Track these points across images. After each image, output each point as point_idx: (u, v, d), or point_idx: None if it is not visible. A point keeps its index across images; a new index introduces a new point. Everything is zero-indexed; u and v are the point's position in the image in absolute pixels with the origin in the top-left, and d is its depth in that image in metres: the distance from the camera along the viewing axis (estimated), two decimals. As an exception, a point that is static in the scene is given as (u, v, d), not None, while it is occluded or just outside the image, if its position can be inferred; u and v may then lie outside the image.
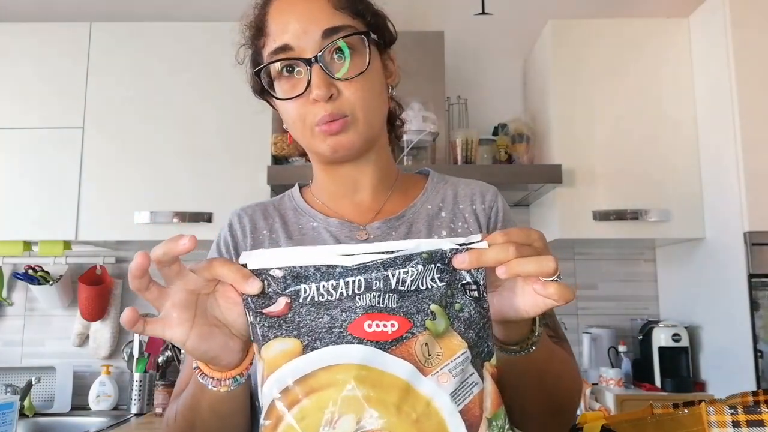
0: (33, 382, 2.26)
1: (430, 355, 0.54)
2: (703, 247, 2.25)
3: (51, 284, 2.51)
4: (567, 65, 2.34)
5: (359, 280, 0.56)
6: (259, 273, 0.56)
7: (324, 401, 0.52)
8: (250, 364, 0.63)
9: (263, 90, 0.85)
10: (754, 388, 1.89)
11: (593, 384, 2.26)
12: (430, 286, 0.56)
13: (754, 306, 1.94)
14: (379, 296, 0.55)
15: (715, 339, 2.21)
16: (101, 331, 2.54)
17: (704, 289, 2.26)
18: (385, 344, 0.54)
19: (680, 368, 2.29)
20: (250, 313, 0.57)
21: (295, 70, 0.79)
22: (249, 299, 0.57)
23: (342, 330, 0.54)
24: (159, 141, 2.29)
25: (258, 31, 0.84)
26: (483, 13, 2.44)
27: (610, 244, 2.59)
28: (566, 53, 2.35)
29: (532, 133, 2.43)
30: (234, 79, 2.50)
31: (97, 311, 2.50)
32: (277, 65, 0.80)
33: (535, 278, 0.57)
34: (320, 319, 0.55)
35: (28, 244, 2.34)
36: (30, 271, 2.52)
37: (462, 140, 2.36)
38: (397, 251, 0.56)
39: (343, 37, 0.78)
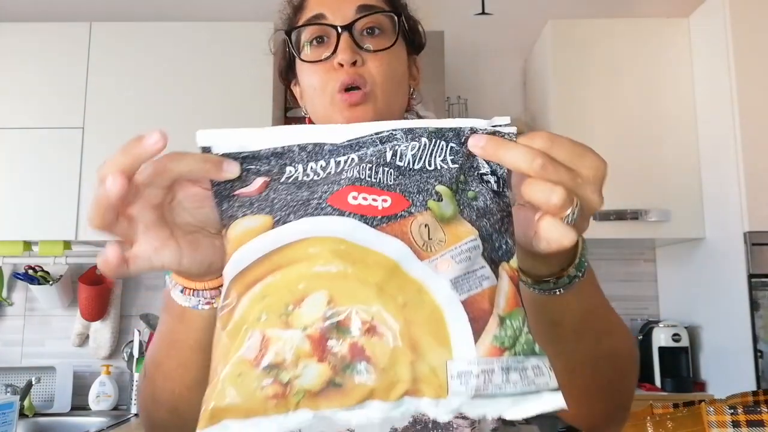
0: (33, 382, 2.26)
1: (430, 239, 0.44)
2: (703, 247, 2.25)
3: (51, 284, 2.51)
4: (567, 65, 2.34)
5: (352, 158, 0.47)
6: (232, 157, 0.49)
7: (291, 278, 0.43)
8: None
9: (289, 65, 0.86)
10: (754, 388, 1.89)
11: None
12: (439, 167, 0.46)
13: (754, 306, 1.94)
14: (371, 168, 0.46)
15: (715, 339, 2.21)
16: (101, 331, 2.54)
17: (704, 289, 2.26)
18: (373, 219, 0.44)
19: (680, 368, 2.29)
20: (220, 200, 0.49)
21: (325, 40, 0.80)
22: (220, 185, 0.49)
23: (321, 201, 0.46)
24: (159, 141, 2.29)
25: (296, 9, 0.86)
26: (483, 13, 2.44)
27: (610, 244, 2.59)
28: (566, 53, 2.35)
29: (532, 133, 2.43)
30: (234, 79, 2.50)
31: (97, 311, 2.50)
32: (308, 33, 0.81)
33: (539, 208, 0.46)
34: (299, 195, 0.47)
35: (28, 244, 2.34)
36: (30, 271, 2.52)
37: (462, 140, 2.36)
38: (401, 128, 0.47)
39: (374, 13, 0.79)
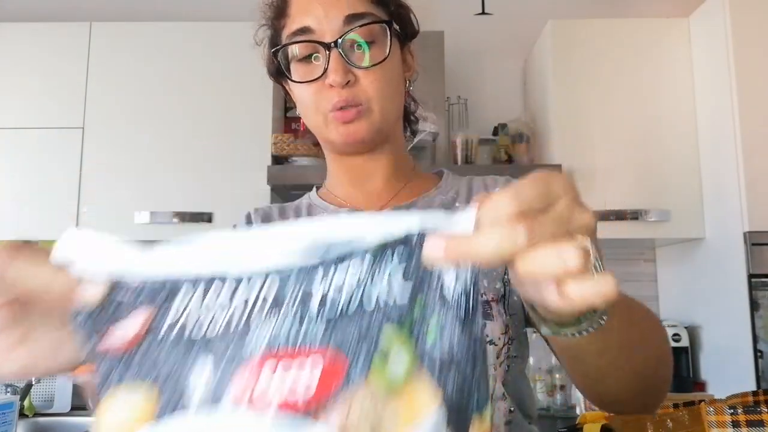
0: (33, 382, 2.26)
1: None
2: (703, 247, 2.25)
3: (51, 284, 2.51)
4: (567, 65, 2.33)
5: (266, 295, 0.35)
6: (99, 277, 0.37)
7: None
8: None
9: (279, 72, 0.83)
10: (754, 388, 1.89)
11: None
12: (384, 301, 0.34)
13: (754, 306, 1.94)
14: (294, 312, 0.34)
15: (715, 339, 2.21)
16: (101, 331, 2.54)
17: (704, 289, 2.25)
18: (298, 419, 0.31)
19: (680, 368, 2.29)
20: (82, 333, 0.37)
21: (313, 55, 0.77)
22: (81, 315, 0.37)
23: (225, 383, 0.33)
24: (159, 141, 2.29)
25: (279, 11, 0.81)
26: (483, 13, 2.44)
27: (610, 244, 2.59)
28: (566, 53, 2.35)
29: (532, 133, 2.43)
30: (234, 78, 2.50)
31: (97, 311, 2.49)
32: (296, 48, 0.78)
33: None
34: (189, 363, 0.34)
35: (28, 244, 2.34)
36: (30, 271, 2.51)
37: (462, 140, 2.36)
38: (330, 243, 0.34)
39: (364, 25, 0.76)
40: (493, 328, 0.74)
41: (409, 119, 0.95)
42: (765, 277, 1.95)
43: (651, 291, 2.63)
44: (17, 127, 2.31)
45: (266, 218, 0.88)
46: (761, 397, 0.74)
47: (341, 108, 0.75)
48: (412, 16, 0.87)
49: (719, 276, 2.14)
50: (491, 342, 0.74)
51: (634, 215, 2.22)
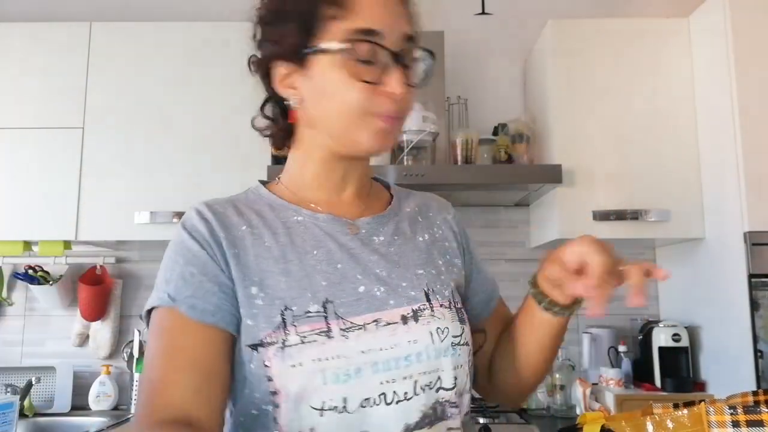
0: (33, 382, 2.26)
1: None
2: (703, 247, 2.25)
3: (51, 284, 2.51)
4: (567, 65, 2.33)
5: None
6: None
7: None
8: None
9: (297, 51, 0.79)
10: (754, 388, 1.89)
11: (593, 384, 2.26)
12: None
13: (754, 306, 1.94)
14: None
15: (715, 339, 2.21)
16: (101, 331, 2.54)
17: (704, 289, 2.26)
18: None
19: (680, 368, 2.29)
20: None
21: (372, 61, 0.77)
22: None
23: None
24: (159, 141, 2.29)
25: (334, 1, 0.77)
26: (483, 13, 2.44)
27: (610, 244, 2.59)
28: (566, 53, 2.35)
29: (532, 133, 2.43)
30: (234, 78, 2.49)
31: (97, 311, 2.50)
32: (357, 46, 0.76)
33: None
34: None
35: (28, 244, 2.34)
36: (30, 271, 2.52)
37: (462, 140, 2.36)
38: None
39: (419, 48, 0.83)
40: (467, 331, 0.84)
41: None
42: (765, 277, 1.95)
43: (651, 291, 2.63)
44: (17, 127, 2.31)
45: (221, 216, 0.83)
46: (761, 397, 0.74)
47: (391, 116, 0.79)
48: None
49: (719, 276, 2.15)
50: (466, 343, 0.83)
51: (634, 215, 2.22)
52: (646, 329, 2.38)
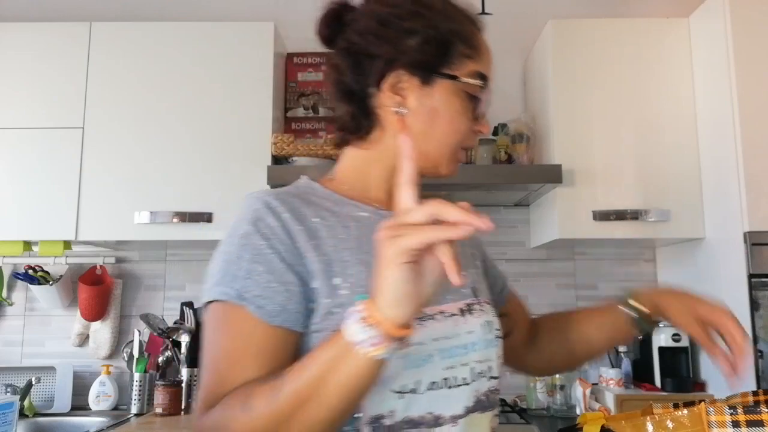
0: (33, 382, 2.26)
1: None
2: (703, 247, 2.25)
3: (51, 284, 2.51)
4: (567, 65, 2.33)
5: None
6: None
7: None
8: (408, 338, 0.62)
9: (431, 67, 0.84)
10: (754, 388, 1.89)
11: (593, 384, 2.26)
12: None
13: (754, 306, 1.94)
14: None
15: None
16: (101, 331, 2.54)
17: (704, 289, 2.24)
18: None
19: (680, 368, 2.29)
20: None
21: (476, 101, 0.89)
22: None
23: None
24: (159, 141, 2.29)
25: (467, 38, 0.88)
26: (483, 13, 2.43)
27: (610, 244, 2.59)
28: (566, 53, 2.35)
29: (532, 133, 2.43)
30: (234, 78, 2.49)
31: (97, 311, 2.50)
32: (475, 86, 0.88)
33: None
34: None
35: (28, 244, 2.34)
36: (30, 271, 2.52)
37: (462, 140, 2.36)
38: None
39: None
40: (500, 326, 0.91)
41: None
42: (765, 277, 1.95)
43: (651, 291, 2.62)
44: (17, 127, 2.31)
45: (292, 208, 0.82)
46: (761, 397, 0.74)
47: (468, 149, 0.92)
48: None
49: (719, 276, 2.15)
50: (501, 337, 0.90)
51: (634, 215, 2.22)
52: (646, 329, 2.38)
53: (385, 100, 0.84)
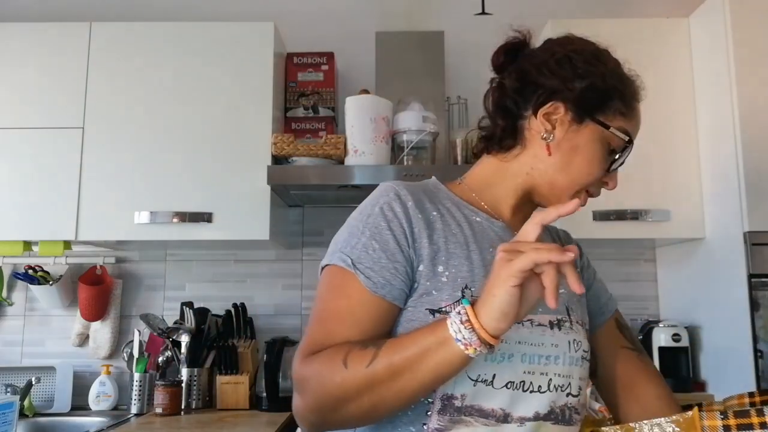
0: (33, 382, 2.26)
1: None
2: (703, 247, 2.25)
3: (51, 284, 2.51)
4: (567, 65, 2.33)
5: None
6: None
7: None
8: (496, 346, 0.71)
9: (593, 110, 0.94)
10: (754, 388, 1.89)
11: (593, 384, 2.26)
12: None
13: (754, 306, 1.94)
14: None
15: (715, 339, 2.21)
16: (101, 331, 2.54)
17: (704, 289, 2.25)
18: None
19: (680, 368, 2.29)
20: None
21: (616, 156, 0.95)
22: None
23: None
24: (159, 141, 2.29)
25: (626, 99, 0.96)
26: (483, 13, 2.43)
27: (610, 244, 2.59)
28: (566, 53, 2.34)
29: (532, 133, 2.43)
30: (234, 78, 2.49)
31: (97, 311, 2.50)
32: (622, 144, 0.95)
33: None
34: None
35: (28, 244, 2.34)
36: (30, 271, 2.52)
37: (462, 140, 2.36)
38: None
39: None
40: (587, 347, 0.95)
41: None
42: (765, 277, 1.95)
43: (651, 291, 2.63)
44: (17, 127, 2.31)
45: (417, 199, 0.93)
46: (757, 398, 0.74)
47: (590, 196, 0.99)
48: None
49: (719, 276, 2.14)
50: (589, 360, 0.94)
51: (634, 215, 2.22)
52: (646, 329, 2.38)
53: (536, 125, 0.94)
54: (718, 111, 2.15)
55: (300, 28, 2.70)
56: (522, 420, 0.83)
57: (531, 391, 0.84)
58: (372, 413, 0.79)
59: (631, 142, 0.94)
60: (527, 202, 1.00)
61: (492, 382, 0.83)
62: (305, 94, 2.52)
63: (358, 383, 0.77)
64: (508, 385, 0.83)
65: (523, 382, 0.84)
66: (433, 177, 1.04)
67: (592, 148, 0.93)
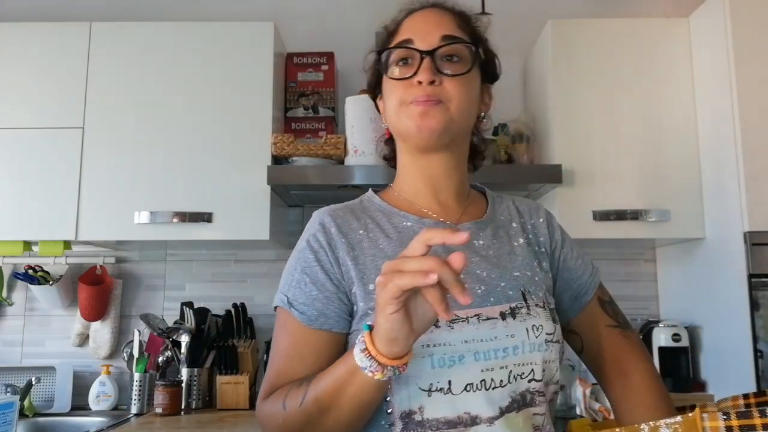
0: (33, 382, 2.26)
1: None
2: (703, 247, 2.25)
3: (51, 284, 2.51)
4: (567, 65, 2.33)
5: None
6: None
7: None
8: (406, 364, 0.72)
9: (377, 84, 1.00)
10: (754, 388, 1.89)
11: (593, 384, 2.26)
12: None
13: (754, 306, 1.94)
14: None
15: (715, 339, 2.21)
16: (101, 331, 2.54)
17: (704, 289, 2.25)
18: None
19: (680, 368, 2.29)
20: None
21: (409, 62, 0.93)
22: None
23: None
24: (159, 141, 2.29)
25: (390, 34, 0.99)
26: (483, 13, 2.43)
27: (610, 244, 2.59)
28: (566, 53, 2.34)
29: (532, 133, 2.43)
30: (234, 78, 2.49)
31: (97, 311, 2.50)
32: (395, 55, 0.94)
33: None
34: None
35: (28, 244, 2.34)
36: (30, 271, 2.52)
37: (462, 140, 2.36)
38: None
39: (455, 42, 0.92)
40: (558, 330, 0.92)
41: (475, 153, 1.08)
42: (765, 277, 1.95)
43: (651, 291, 2.63)
44: (17, 127, 2.31)
45: (341, 223, 0.95)
46: (752, 400, 0.74)
47: (423, 101, 0.90)
48: (497, 62, 1.06)
49: (719, 276, 2.14)
50: (558, 341, 0.91)
51: (634, 215, 2.22)
52: (646, 329, 2.38)
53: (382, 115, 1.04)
54: (718, 111, 2.15)
55: (300, 28, 2.70)
56: (491, 420, 0.82)
57: (494, 388, 0.83)
58: None
59: (405, 41, 0.94)
60: (433, 174, 0.98)
61: (450, 388, 0.82)
62: (305, 94, 2.52)
63: (296, 423, 0.80)
64: (468, 388, 0.82)
65: (484, 380, 0.83)
66: (370, 189, 1.06)
67: (386, 86, 0.97)
